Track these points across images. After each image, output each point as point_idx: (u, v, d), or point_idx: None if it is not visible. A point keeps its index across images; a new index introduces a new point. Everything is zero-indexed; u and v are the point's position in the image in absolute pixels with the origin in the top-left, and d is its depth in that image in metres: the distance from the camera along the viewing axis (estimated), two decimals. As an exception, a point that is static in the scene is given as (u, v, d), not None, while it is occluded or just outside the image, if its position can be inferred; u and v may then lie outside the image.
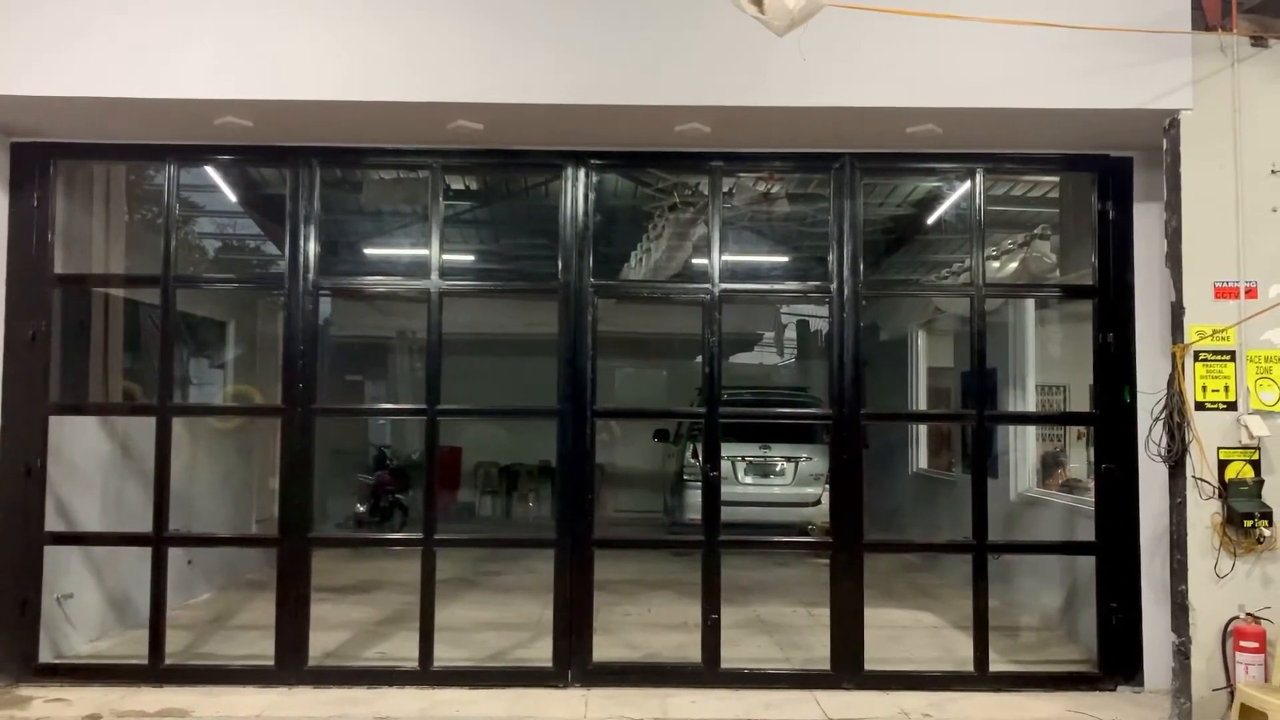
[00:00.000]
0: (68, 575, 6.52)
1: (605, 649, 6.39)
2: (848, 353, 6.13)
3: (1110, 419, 6.10)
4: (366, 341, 15.36)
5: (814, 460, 11.65)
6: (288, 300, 6.14)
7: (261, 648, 6.13)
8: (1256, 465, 5.36)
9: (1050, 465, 9.16)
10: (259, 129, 5.85)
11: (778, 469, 11.91)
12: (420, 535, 6.16)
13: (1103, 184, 6.16)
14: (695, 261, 10.45)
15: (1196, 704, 5.29)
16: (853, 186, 6.16)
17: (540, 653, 6.24)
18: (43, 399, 6.08)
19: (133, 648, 6.35)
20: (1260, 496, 5.31)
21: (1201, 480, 5.35)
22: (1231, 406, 5.42)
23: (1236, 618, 5.26)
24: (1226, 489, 5.33)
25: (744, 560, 9.85)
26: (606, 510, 13.71)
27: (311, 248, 6.11)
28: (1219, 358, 5.43)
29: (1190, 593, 5.34)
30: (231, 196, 9.57)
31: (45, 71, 5.40)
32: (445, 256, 6.22)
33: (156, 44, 5.43)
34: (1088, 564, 6.26)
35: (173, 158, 6.17)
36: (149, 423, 6.19)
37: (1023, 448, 8.74)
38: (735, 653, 6.46)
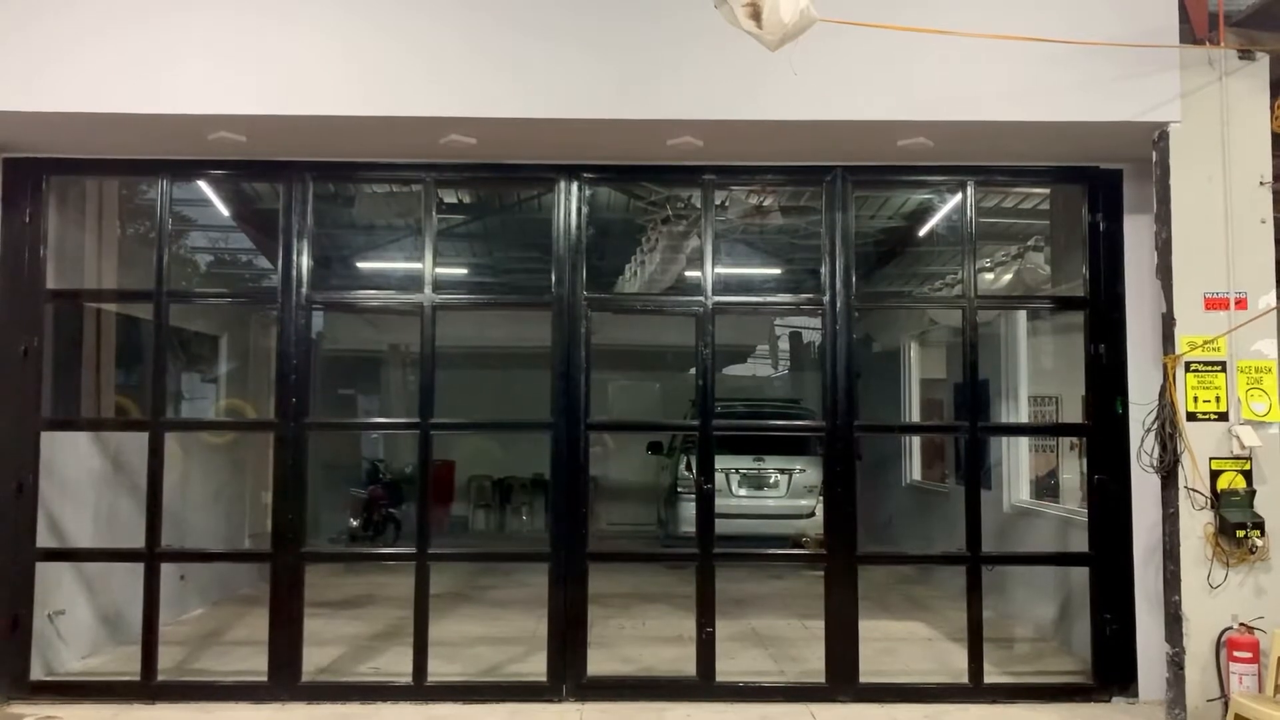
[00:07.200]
0: (59, 592, 6.48)
1: (600, 663, 6.37)
2: (840, 365, 6.14)
3: (1103, 430, 6.11)
4: (359, 355, 15.33)
5: (808, 472, 11.66)
6: (280, 314, 6.14)
7: (255, 663, 6.11)
8: (1248, 475, 5.38)
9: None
10: (252, 144, 5.86)
11: (771, 481, 11.91)
12: (413, 550, 6.14)
13: (1093, 196, 6.19)
14: (689, 274, 10.45)
15: (1191, 714, 5.30)
16: (844, 199, 6.19)
17: (535, 667, 6.22)
18: (34, 415, 6.07)
19: (125, 664, 6.31)
20: (1252, 506, 5.33)
21: (1194, 491, 5.37)
22: (1223, 417, 5.44)
23: (1230, 628, 5.28)
24: (1219, 499, 5.35)
25: (738, 573, 9.81)
26: (600, 523, 13.67)
27: (304, 262, 6.12)
28: (1210, 368, 5.45)
29: (1184, 603, 5.35)
30: (224, 211, 9.54)
31: (38, 87, 5.40)
32: (438, 270, 6.23)
33: (149, 60, 5.44)
34: (1082, 575, 6.28)
35: (166, 173, 6.17)
36: (141, 438, 6.19)
37: (1016, 459, 8.76)
38: (730, 666, 6.45)
